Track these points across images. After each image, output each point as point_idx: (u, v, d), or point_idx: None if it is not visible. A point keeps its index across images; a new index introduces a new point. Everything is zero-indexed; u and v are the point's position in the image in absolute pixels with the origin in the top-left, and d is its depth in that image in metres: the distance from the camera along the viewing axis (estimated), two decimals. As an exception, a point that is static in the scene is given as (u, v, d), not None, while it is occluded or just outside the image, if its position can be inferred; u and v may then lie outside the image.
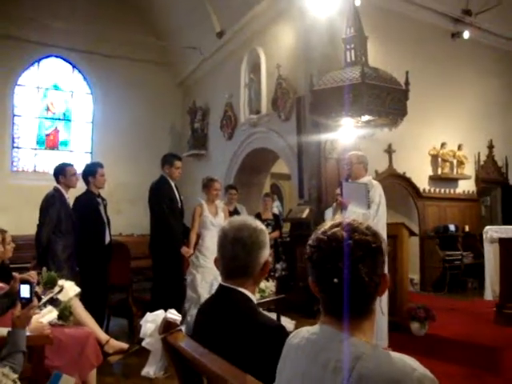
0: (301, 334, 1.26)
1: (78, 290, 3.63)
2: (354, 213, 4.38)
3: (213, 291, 1.91)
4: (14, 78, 10.74)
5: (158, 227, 5.18)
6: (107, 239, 5.12)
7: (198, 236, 5.32)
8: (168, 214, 5.11)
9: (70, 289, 3.53)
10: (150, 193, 5.32)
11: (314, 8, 6.99)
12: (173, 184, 5.33)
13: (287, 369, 1.26)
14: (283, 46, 8.17)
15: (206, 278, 5.05)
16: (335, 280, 1.14)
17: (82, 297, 4.10)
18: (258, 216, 6.76)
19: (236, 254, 1.74)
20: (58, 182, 4.78)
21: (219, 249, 1.81)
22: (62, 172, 4.79)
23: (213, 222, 5.23)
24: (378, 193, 4.56)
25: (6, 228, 3.64)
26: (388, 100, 6.39)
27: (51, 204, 4.59)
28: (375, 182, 4.72)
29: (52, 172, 4.91)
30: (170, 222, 5.10)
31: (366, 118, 6.66)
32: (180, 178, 5.46)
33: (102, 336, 3.79)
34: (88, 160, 10.71)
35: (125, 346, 3.89)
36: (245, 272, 1.76)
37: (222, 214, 5.40)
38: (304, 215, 7.09)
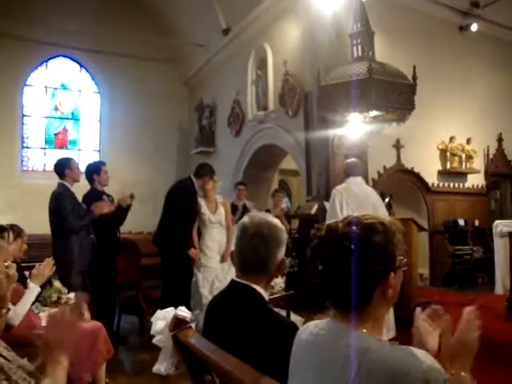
0: (309, 330, 1.27)
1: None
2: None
3: (214, 290, 1.92)
4: (22, 79, 10.81)
5: (169, 224, 5.17)
6: (117, 234, 5.18)
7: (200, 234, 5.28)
8: (183, 214, 5.09)
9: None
10: (173, 189, 5.33)
11: (320, 3, 6.97)
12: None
13: (298, 364, 1.26)
14: (290, 41, 8.15)
15: (207, 278, 4.98)
16: (319, 267, 1.19)
17: (92, 294, 4.12)
18: (268, 212, 6.74)
19: (257, 247, 1.74)
20: (62, 176, 4.63)
21: (238, 242, 1.81)
22: (67, 165, 4.64)
23: (211, 219, 5.13)
24: (331, 200, 4.96)
25: (17, 227, 3.71)
26: (395, 95, 6.34)
27: (61, 200, 4.43)
28: (336, 188, 5.04)
29: (55, 168, 4.74)
30: (182, 223, 5.07)
31: (374, 113, 6.63)
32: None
33: None
34: (97, 158, 10.75)
35: None
36: (262, 268, 1.77)
37: (223, 209, 5.26)
38: (313, 211, 7.07)
